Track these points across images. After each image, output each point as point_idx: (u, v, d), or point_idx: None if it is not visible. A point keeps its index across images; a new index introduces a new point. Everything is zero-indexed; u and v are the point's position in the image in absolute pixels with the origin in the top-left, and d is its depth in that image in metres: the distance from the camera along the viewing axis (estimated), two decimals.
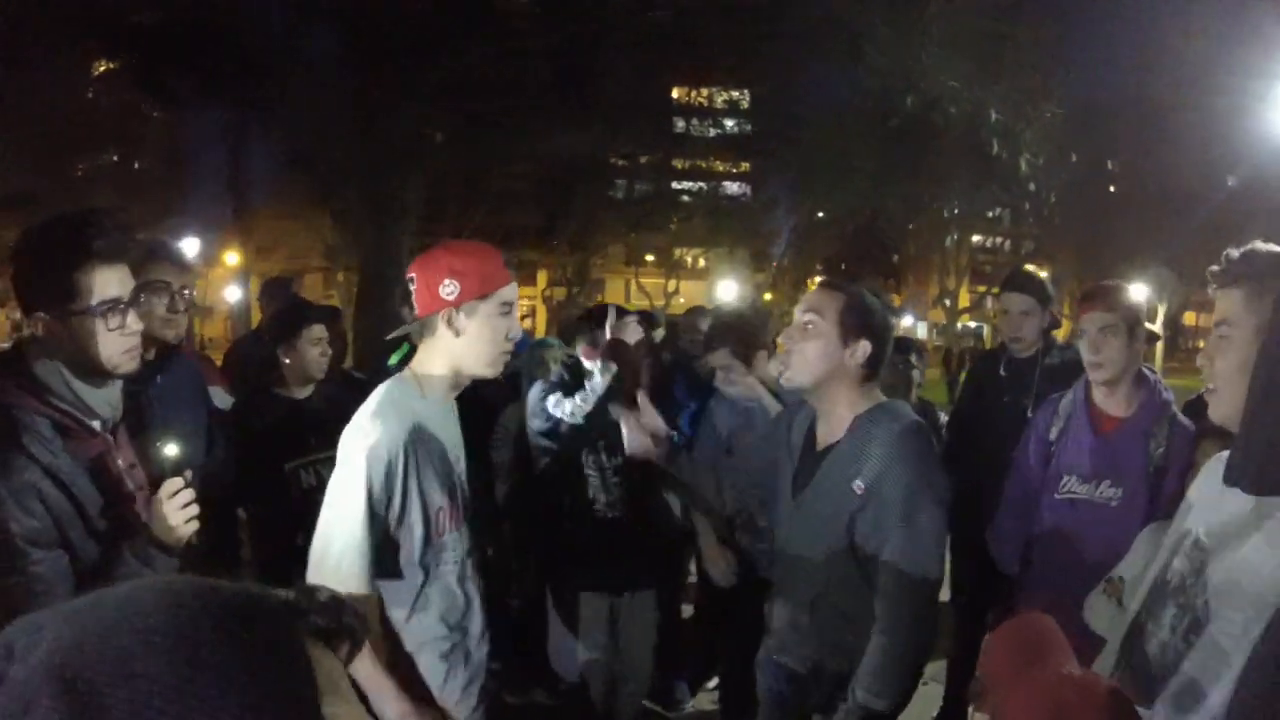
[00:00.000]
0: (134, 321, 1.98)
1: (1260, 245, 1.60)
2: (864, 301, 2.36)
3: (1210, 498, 1.69)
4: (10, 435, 1.81)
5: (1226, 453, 1.64)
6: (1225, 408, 1.58)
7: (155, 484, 2.08)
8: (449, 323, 2.17)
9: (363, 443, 2.08)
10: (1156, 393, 2.85)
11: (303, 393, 3.56)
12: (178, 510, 2.01)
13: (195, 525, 2.06)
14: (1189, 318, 42.65)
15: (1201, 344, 1.66)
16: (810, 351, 2.31)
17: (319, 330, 3.52)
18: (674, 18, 9.59)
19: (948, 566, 4.18)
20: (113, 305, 1.92)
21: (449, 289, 2.12)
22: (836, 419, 2.37)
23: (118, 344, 1.94)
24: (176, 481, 2.04)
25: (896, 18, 8.16)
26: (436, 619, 2.23)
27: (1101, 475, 2.83)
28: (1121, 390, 2.86)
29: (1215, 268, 1.63)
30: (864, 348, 2.31)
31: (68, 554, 1.85)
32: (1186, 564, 1.65)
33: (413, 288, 2.20)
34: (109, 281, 1.92)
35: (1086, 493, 2.85)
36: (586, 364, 3.28)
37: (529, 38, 9.81)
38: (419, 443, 2.15)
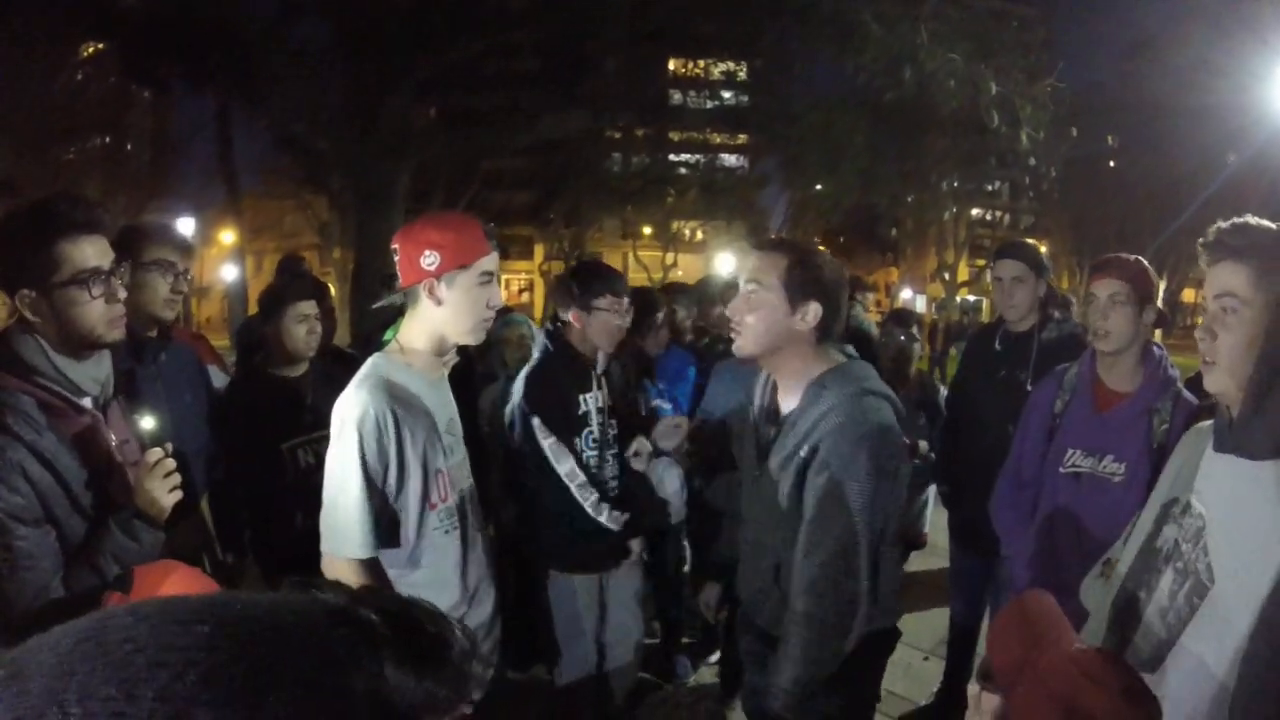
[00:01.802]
0: (118, 289, 2.00)
1: (1253, 220, 1.61)
2: (810, 260, 2.21)
3: (1193, 466, 1.73)
4: None
5: (1206, 423, 1.76)
6: (1226, 381, 1.59)
7: None
8: (430, 292, 2.22)
9: (351, 414, 2.14)
10: (1162, 369, 2.81)
11: (296, 371, 3.49)
12: (160, 481, 2.02)
13: (178, 495, 2.07)
14: (1187, 295, 42.67)
15: (1200, 320, 1.68)
16: (757, 321, 2.20)
17: (304, 307, 3.47)
18: (669, 2, 9.48)
19: (946, 541, 4.21)
20: (94, 273, 1.94)
21: (429, 260, 2.17)
22: (793, 386, 2.28)
23: (103, 312, 1.96)
24: (157, 452, 2.05)
25: None
26: (436, 584, 2.27)
27: (1104, 450, 2.79)
28: (1126, 364, 2.82)
29: (1207, 239, 1.63)
30: (814, 310, 2.18)
31: (54, 530, 1.86)
32: (1180, 530, 1.68)
33: (396, 259, 2.24)
34: (86, 252, 1.94)
35: (1090, 467, 2.82)
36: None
37: (522, 28, 9.72)
38: (406, 410, 2.20)
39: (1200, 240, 1.65)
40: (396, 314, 2.47)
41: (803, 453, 2.17)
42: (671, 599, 4.67)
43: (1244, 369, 1.56)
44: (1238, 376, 1.57)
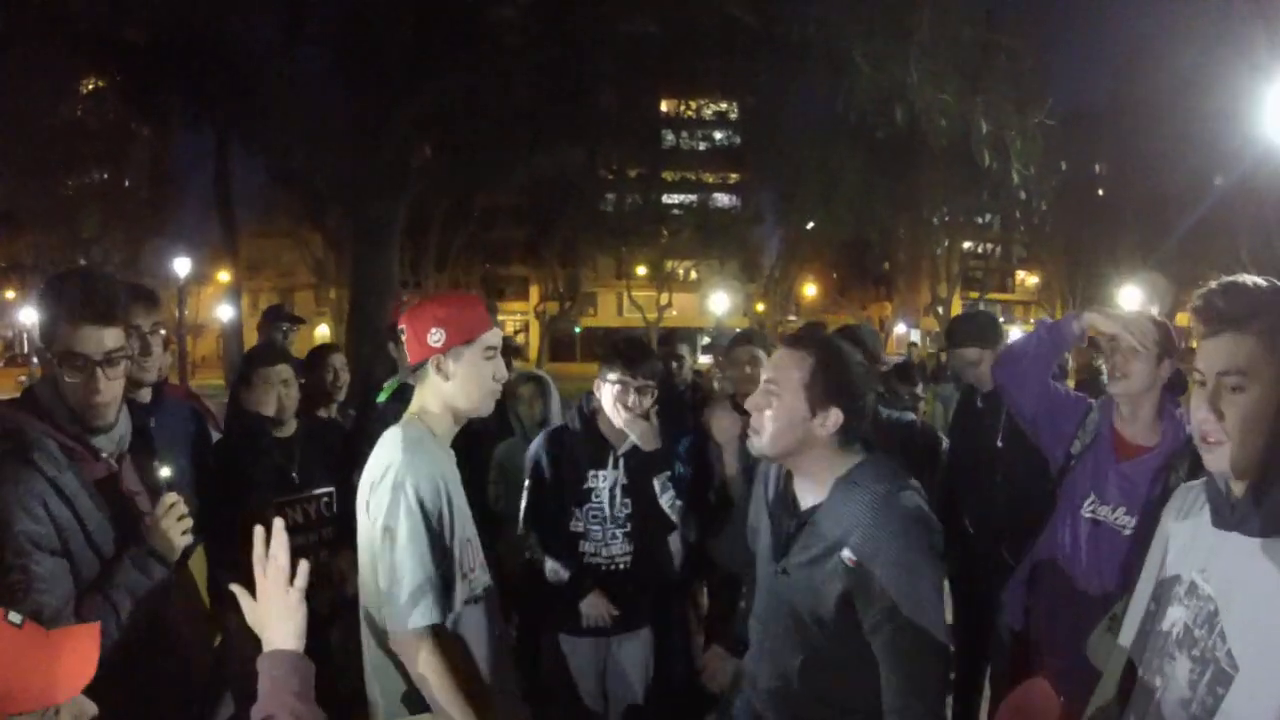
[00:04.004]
0: (100, 379, 2.07)
1: (1245, 280, 1.52)
2: (836, 363, 2.12)
3: (1189, 540, 1.65)
4: (21, 451, 1.98)
5: (1189, 486, 1.70)
6: (1237, 457, 1.49)
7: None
8: (438, 368, 2.29)
9: (409, 476, 2.16)
10: (1180, 426, 2.79)
11: (283, 431, 3.53)
12: (175, 523, 2.15)
13: (190, 538, 2.20)
14: (1181, 319, 42.84)
15: (1195, 344, 1.60)
16: (774, 422, 2.11)
17: (269, 374, 3.47)
18: (662, 39, 9.61)
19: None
20: (78, 357, 2.04)
21: (435, 337, 2.26)
22: (813, 481, 2.18)
23: (80, 397, 2.06)
24: (172, 495, 2.19)
25: (886, 30, 8.21)
26: (473, 661, 2.28)
27: (1118, 501, 2.80)
28: (1144, 417, 2.82)
29: (1198, 306, 1.53)
30: (835, 417, 2.08)
31: (68, 563, 1.97)
32: (1189, 614, 1.58)
33: (403, 338, 2.33)
34: (79, 336, 2.05)
35: (1104, 515, 2.83)
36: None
37: (517, 63, 9.85)
38: (448, 474, 2.27)
39: (1192, 306, 1.54)
40: (389, 373, 2.51)
41: (846, 559, 2.07)
42: (679, 663, 4.56)
43: (1256, 445, 1.47)
44: (1249, 453, 1.48)
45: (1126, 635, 1.77)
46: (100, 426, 2.11)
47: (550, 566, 3.23)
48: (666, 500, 3.24)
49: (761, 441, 2.15)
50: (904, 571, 2.01)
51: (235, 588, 1.78)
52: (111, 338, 2.09)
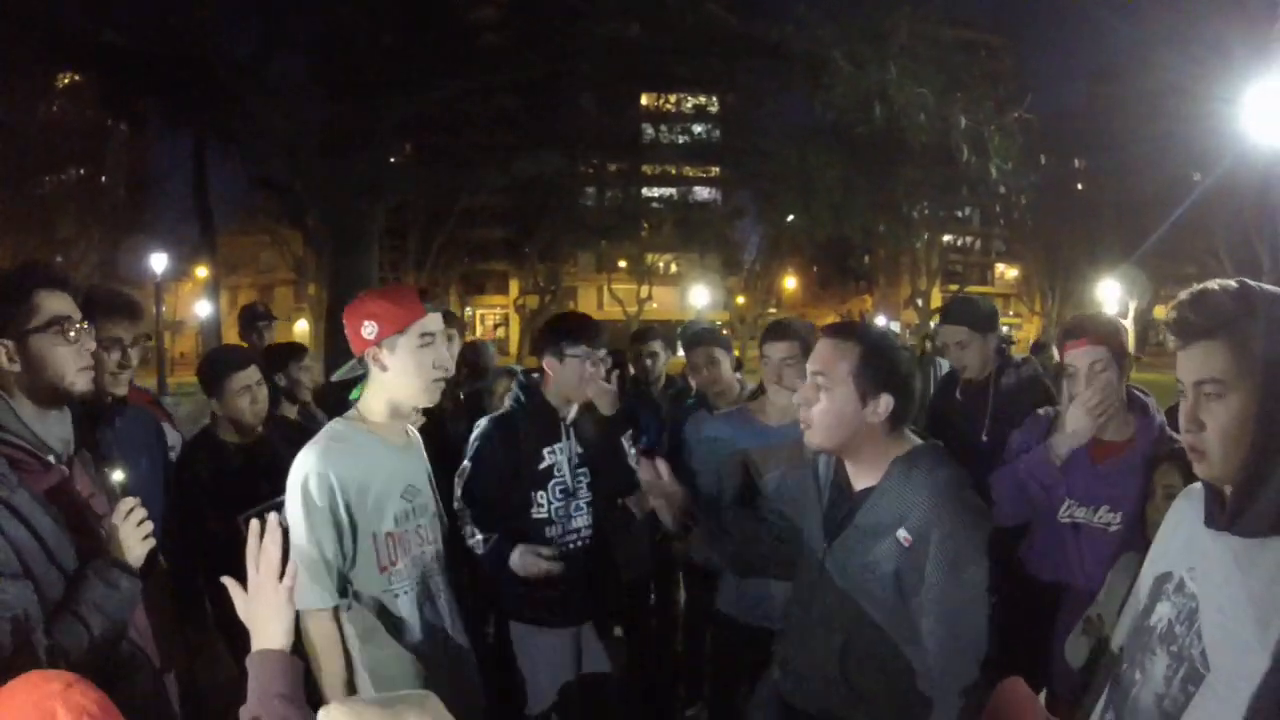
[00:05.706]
0: (89, 339, 2.10)
1: (1213, 287, 1.50)
2: (882, 349, 2.13)
3: (1186, 538, 1.65)
4: None
5: (1193, 492, 1.67)
6: (1222, 467, 1.49)
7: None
8: (375, 359, 2.38)
9: (297, 477, 2.31)
10: (1153, 417, 2.83)
11: (249, 438, 3.46)
12: (133, 529, 2.07)
13: (152, 543, 2.13)
14: (1159, 312, 43.29)
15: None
16: (825, 414, 2.12)
17: (243, 377, 3.40)
18: (642, 39, 9.60)
19: None
20: (68, 320, 2.05)
21: (369, 329, 2.36)
22: (868, 464, 2.19)
23: (74, 359, 2.06)
24: (130, 501, 2.10)
25: (865, 30, 8.24)
26: (397, 650, 2.38)
27: (1100, 501, 2.81)
28: (1115, 417, 2.81)
29: (1170, 320, 1.53)
30: (885, 403, 2.09)
31: (32, 584, 1.88)
32: (1173, 610, 1.60)
33: (347, 333, 2.42)
34: (60, 304, 2.07)
35: (1085, 517, 2.83)
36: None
37: (499, 71, 9.82)
38: (353, 472, 2.33)
39: (1164, 321, 1.55)
40: (364, 373, 2.50)
41: (902, 538, 2.08)
42: (649, 653, 4.55)
43: (1239, 452, 1.46)
44: (1233, 461, 1.47)
45: (1120, 630, 1.78)
46: (83, 394, 2.11)
47: (477, 539, 3.05)
48: (634, 456, 3.20)
49: (814, 435, 2.16)
50: (954, 555, 2.03)
51: (227, 580, 1.80)
52: (75, 306, 2.12)
